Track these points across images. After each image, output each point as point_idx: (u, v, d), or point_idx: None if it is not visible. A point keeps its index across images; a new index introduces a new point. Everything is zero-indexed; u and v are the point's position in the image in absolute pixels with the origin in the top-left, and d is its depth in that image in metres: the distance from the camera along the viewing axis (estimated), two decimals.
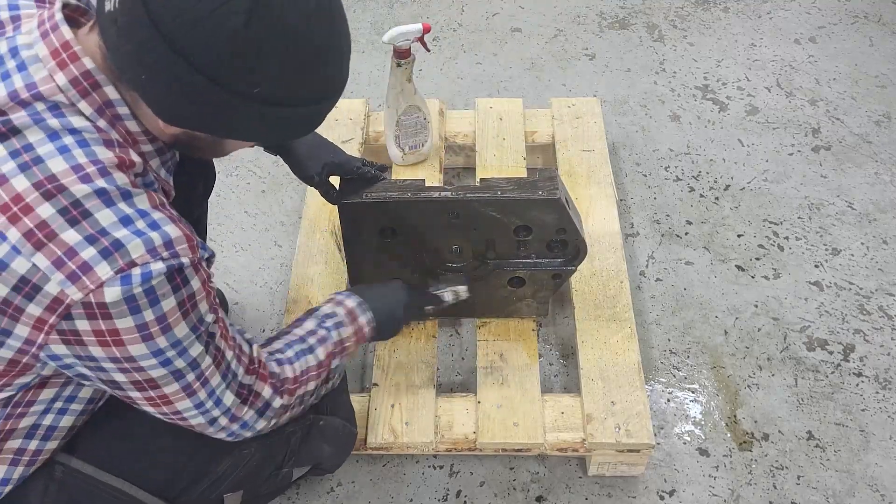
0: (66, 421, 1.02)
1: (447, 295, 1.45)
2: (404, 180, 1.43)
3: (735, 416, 1.62)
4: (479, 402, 1.49)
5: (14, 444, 0.99)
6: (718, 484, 1.52)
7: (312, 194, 1.83)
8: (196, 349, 0.92)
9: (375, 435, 1.45)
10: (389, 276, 1.53)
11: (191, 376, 0.94)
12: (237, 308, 1.81)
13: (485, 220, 1.41)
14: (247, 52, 0.81)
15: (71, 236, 0.81)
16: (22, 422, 0.98)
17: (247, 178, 2.10)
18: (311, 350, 1.17)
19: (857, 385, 1.67)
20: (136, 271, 0.82)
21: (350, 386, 1.42)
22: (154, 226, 0.84)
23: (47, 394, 0.97)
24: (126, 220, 0.83)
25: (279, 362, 1.12)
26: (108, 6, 0.82)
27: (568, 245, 1.46)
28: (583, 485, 1.52)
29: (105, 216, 0.82)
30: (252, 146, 1.04)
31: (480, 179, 1.42)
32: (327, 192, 1.42)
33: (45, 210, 0.81)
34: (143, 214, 0.85)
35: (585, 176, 1.87)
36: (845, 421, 1.61)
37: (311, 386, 1.17)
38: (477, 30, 2.56)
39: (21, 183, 0.81)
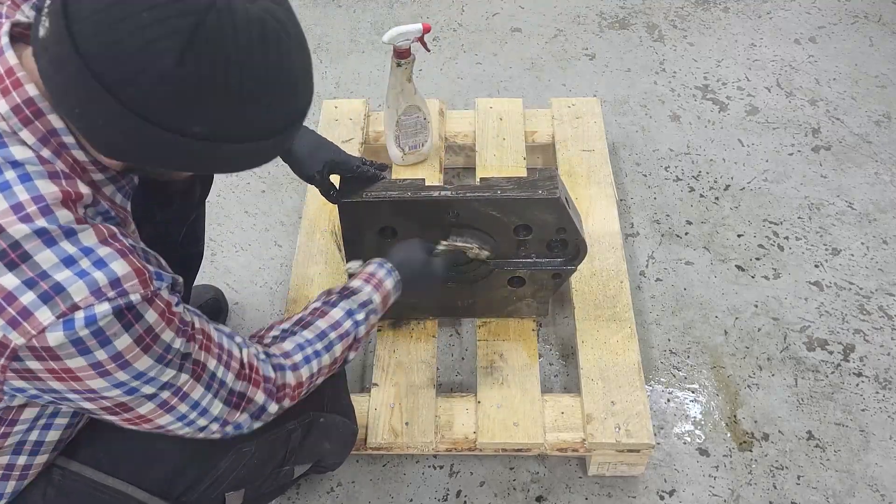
0: (53, 435, 1.00)
1: (472, 251, 1.42)
2: (404, 180, 1.43)
3: (735, 416, 1.62)
4: (479, 402, 1.49)
5: (2, 460, 0.97)
6: (718, 484, 1.52)
7: (312, 194, 1.83)
8: (167, 374, 0.89)
9: (375, 435, 1.45)
10: None
11: (166, 394, 0.90)
12: (237, 308, 1.81)
13: (485, 220, 1.41)
14: (180, 91, 0.76)
15: (9, 281, 0.78)
16: (7, 440, 0.96)
17: (247, 178, 2.10)
18: (328, 348, 1.13)
19: (857, 385, 1.67)
20: (80, 315, 0.78)
21: (350, 386, 1.42)
22: (100, 264, 0.80)
23: (29, 413, 0.95)
24: (68, 261, 0.79)
25: (280, 368, 1.07)
26: (42, 31, 0.77)
27: (568, 245, 1.46)
28: (583, 485, 1.52)
29: (45, 258, 0.78)
30: None
31: (480, 179, 1.42)
32: (328, 192, 1.40)
33: None
34: (87, 252, 0.80)
35: (585, 176, 1.87)
36: (845, 421, 1.61)
37: (320, 381, 1.14)
38: (477, 30, 2.56)
39: None
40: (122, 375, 0.84)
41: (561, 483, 1.52)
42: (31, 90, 0.81)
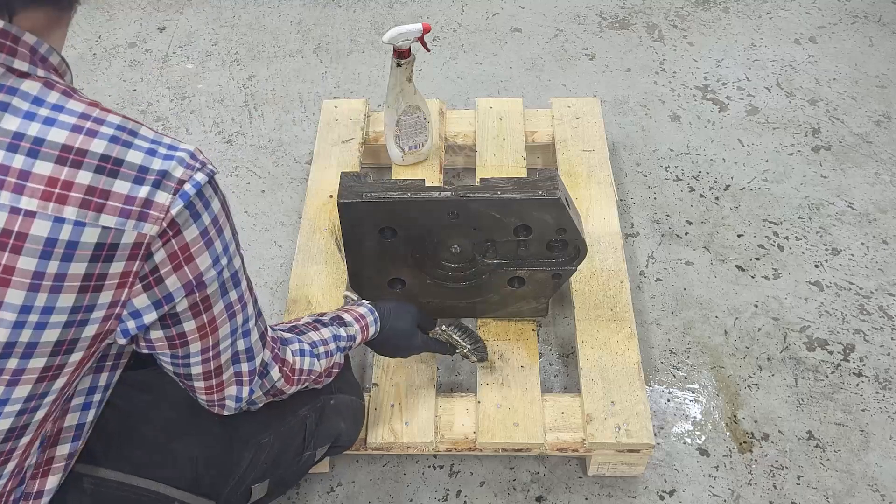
0: (91, 416, 1.02)
1: (465, 352, 1.50)
2: (404, 180, 1.43)
3: (735, 416, 1.62)
4: (479, 402, 1.49)
5: (64, 449, 0.99)
6: (718, 484, 1.52)
7: (312, 194, 1.84)
8: (237, 259, 0.97)
9: (375, 435, 1.45)
10: (389, 277, 1.53)
11: (233, 295, 0.97)
12: None
13: (485, 220, 1.41)
14: None
15: (122, 186, 0.82)
16: (66, 420, 0.98)
17: (247, 178, 2.10)
18: (317, 357, 1.22)
19: (857, 385, 1.67)
20: (188, 186, 0.86)
21: None
22: (173, 147, 0.86)
23: (83, 383, 0.98)
24: (151, 152, 0.85)
25: (286, 344, 1.16)
26: None
27: (568, 245, 1.46)
28: (583, 485, 1.52)
29: (134, 157, 0.83)
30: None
31: (480, 179, 1.42)
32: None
33: (84, 177, 0.80)
34: (157, 143, 0.86)
35: (585, 176, 1.87)
36: (845, 421, 1.61)
37: (305, 386, 1.22)
38: (477, 30, 2.56)
39: (45, 168, 0.79)
40: (218, 245, 0.91)
41: (561, 483, 1.52)
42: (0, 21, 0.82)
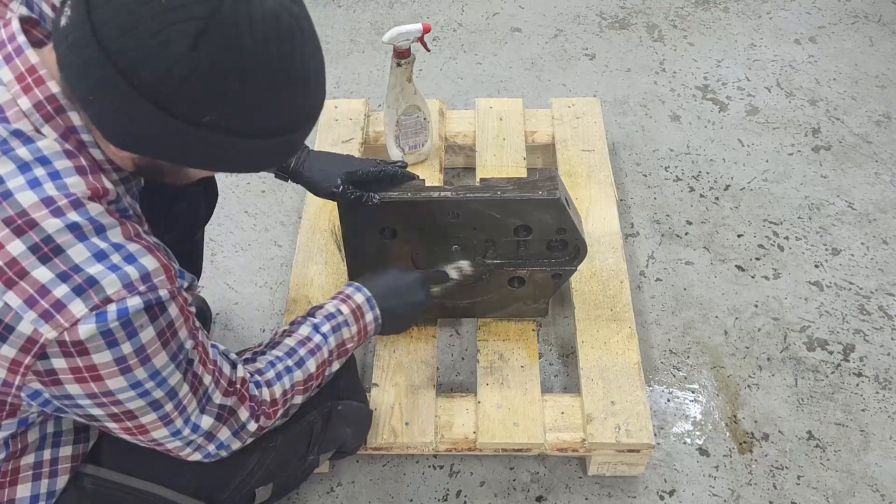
0: (65, 451, 1.02)
1: (452, 272, 1.45)
2: None
3: (735, 416, 1.62)
4: (479, 402, 1.49)
5: (23, 489, 0.99)
6: (718, 484, 1.52)
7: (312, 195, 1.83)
8: (175, 377, 0.90)
9: (375, 435, 1.45)
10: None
11: (169, 406, 0.92)
12: (237, 308, 1.81)
13: (485, 220, 1.41)
14: (193, 77, 0.76)
15: (43, 274, 0.78)
16: (22, 460, 0.98)
17: (247, 178, 2.10)
18: (299, 364, 1.14)
19: (857, 385, 1.67)
20: (112, 308, 0.80)
21: None
22: (130, 259, 0.82)
23: (32, 436, 0.97)
24: (100, 256, 0.80)
25: (257, 385, 1.08)
26: (63, 21, 0.79)
27: (568, 245, 1.46)
28: (583, 485, 1.52)
29: (78, 252, 0.80)
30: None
31: (480, 179, 1.42)
32: (357, 199, 1.36)
33: (16, 247, 0.78)
34: (118, 248, 0.82)
35: (585, 176, 1.87)
36: (845, 421, 1.61)
37: (298, 400, 1.15)
38: (477, 30, 2.56)
39: None
40: (140, 373, 0.85)
41: (561, 483, 1.52)
42: (53, 87, 0.82)
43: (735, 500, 1.50)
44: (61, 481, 1.03)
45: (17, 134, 0.81)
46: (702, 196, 2.04)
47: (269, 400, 1.09)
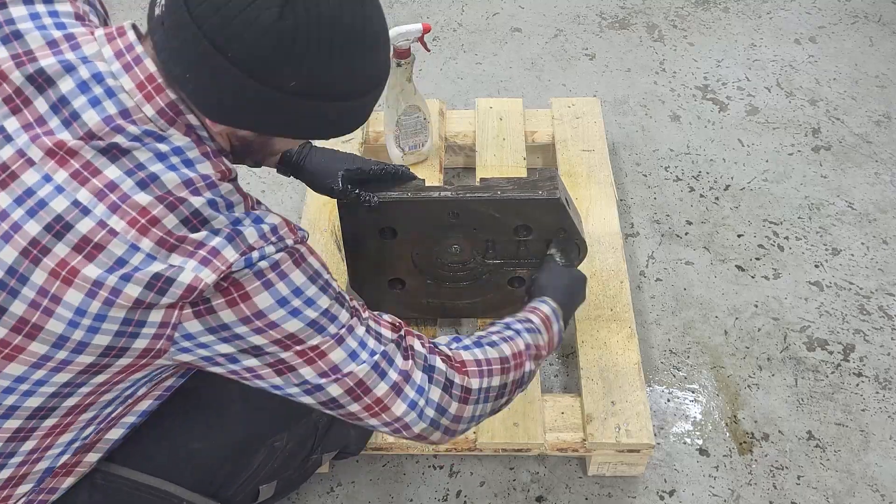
0: (122, 434, 1.06)
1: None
2: None
3: (735, 417, 1.62)
4: None
5: (94, 457, 1.04)
6: (718, 484, 1.52)
7: (312, 194, 1.83)
8: (326, 302, 0.95)
9: (376, 435, 1.45)
10: (389, 277, 1.53)
11: (332, 328, 0.96)
12: None
13: (485, 220, 1.41)
14: (280, 45, 0.84)
15: (199, 234, 0.88)
16: (109, 433, 1.03)
17: (247, 178, 2.10)
18: (493, 344, 1.11)
19: (857, 385, 1.67)
20: (255, 253, 0.89)
21: None
22: (258, 220, 0.92)
23: (141, 405, 1.04)
24: (237, 222, 0.91)
25: (436, 345, 1.08)
26: (158, 10, 0.88)
27: (568, 245, 1.45)
28: (583, 485, 1.52)
29: (220, 221, 0.90)
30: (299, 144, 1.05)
31: (480, 179, 1.42)
32: (356, 198, 1.38)
33: (171, 220, 0.87)
34: (248, 215, 0.93)
35: (585, 176, 1.87)
36: (845, 421, 1.61)
37: (496, 381, 1.09)
38: (477, 30, 2.56)
39: (143, 198, 0.86)
40: (290, 297, 0.92)
41: (561, 483, 1.52)
42: (172, 94, 0.90)
43: (735, 500, 1.50)
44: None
45: (149, 133, 0.90)
46: (702, 196, 2.04)
47: (464, 360, 1.07)
